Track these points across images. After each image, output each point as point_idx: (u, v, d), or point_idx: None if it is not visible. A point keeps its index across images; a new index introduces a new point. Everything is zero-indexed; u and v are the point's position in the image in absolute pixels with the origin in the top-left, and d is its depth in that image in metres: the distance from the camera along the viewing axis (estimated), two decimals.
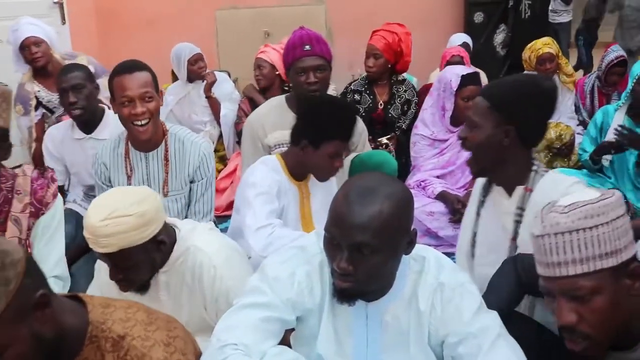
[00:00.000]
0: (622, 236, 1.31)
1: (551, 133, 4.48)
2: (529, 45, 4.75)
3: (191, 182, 2.58)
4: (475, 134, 1.96)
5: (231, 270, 1.91)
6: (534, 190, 1.94)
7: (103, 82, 4.26)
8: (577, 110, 4.85)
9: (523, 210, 1.95)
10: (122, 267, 1.81)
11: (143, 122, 2.40)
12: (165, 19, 6.10)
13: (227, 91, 4.45)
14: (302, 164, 2.42)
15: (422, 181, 3.42)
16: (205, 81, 4.33)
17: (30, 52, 3.74)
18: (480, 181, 2.16)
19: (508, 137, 1.92)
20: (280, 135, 2.80)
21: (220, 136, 4.40)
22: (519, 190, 1.97)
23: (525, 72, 4.65)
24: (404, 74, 4.73)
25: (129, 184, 2.53)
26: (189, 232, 1.96)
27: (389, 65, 3.81)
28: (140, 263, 1.82)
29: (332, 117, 2.35)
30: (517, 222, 1.97)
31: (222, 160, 4.23)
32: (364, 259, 1.41)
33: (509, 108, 1.91)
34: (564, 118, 4.68)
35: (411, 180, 3.50)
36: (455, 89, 3.33)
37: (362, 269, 1.42)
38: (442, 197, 3.31)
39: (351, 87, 3.94)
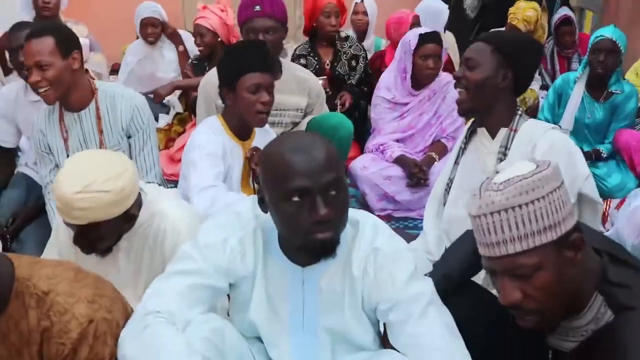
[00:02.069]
0: (560, 209, 1.27)
1: None
2: (517, 4, 4.71)
3: (128, 137, 2.54)
4: (474, 73, 2.10)
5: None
6: (518, 130, 2.11)
7: (95, 58, 4.27)
8: (540, 73, 4.88)
9: (507, 148, 2.11)
10: (89, 236, 1.78)
11: (40, 90, 2.35)
12: None
13: (192, 49, 4.34)
14: (237, 117, 2.41)
15: (381, 144, 3.39)
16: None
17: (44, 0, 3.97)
18: (463, 130, 2.31)
19: (505, 79, 2.09)
20: None
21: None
22: (503, 131, 2.13)
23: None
24: (373, 36, 4.72)
25: (66, 147, 2.49)
26: (155, 197, 1.93)
27: None
28: (109, 233, 1.81)
29: (235, 54, 2.37)
30: (500, 160, 2.12)
31: (182, 122, 4.15)
32: (335, 198, 1.40)
33: (511, 53, 2.08)
34: None
35: (370, 144, 3.48)
36: (413, 48, 3.29)
37: (338, 209, 1.41)
38: (400, 161, 3.29)
39: (296, 52, 3.90)
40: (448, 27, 4.64)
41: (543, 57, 4.89)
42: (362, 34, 4.82)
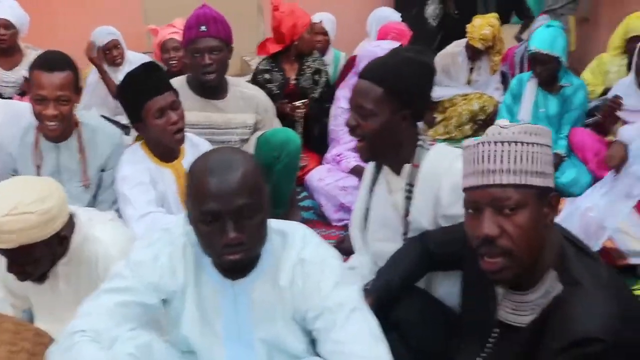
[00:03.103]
0: (550, 165, 1.39)
1: (475, 105, 4.57)
2: (476, 18, 4.73)
3: (102, 170, 2.57)
4: (370, 122, 1.88)
5: None
6: (421, 165, 1.94)
7: None
8: (506, 80, 4.93)
9: (412, 186, 1.95)
10: (21, 261, 1.79)
11: (51, 124, 2.35)
12: None
13: None
14: (156, 144, 2.43)
15: (337, 155, 3.44)
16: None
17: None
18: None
19: (405, 120, 1.90)
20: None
21: None
22: (407, 167, 1.97)
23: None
24: (332, 50, 4.76)
25: (38, 174, 2.48)
26: (87, 222, 1.95)
27: None
28: (41, 258, 1.81)
29: (127, 88, 2.38)
30: (408, 199, 1.96)
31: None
32: (248, 222, 1.43)
33: (406, 93, 1.87)
34: (490, 89, 4.76)
35: (328, 155, 3.52)
36: None
37: (250, 233, 1.44)
38: (355, 171, 3.31)
39: (260, 67, 3.92)
40: (410, 36, 4.70)
41: (512, 64, 4.96)
42: (321, 52, 4.86)
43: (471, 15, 5.07)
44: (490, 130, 1.40)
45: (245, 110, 2.99)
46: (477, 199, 1.38)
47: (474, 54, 4.70)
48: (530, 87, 3.72)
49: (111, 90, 4.23)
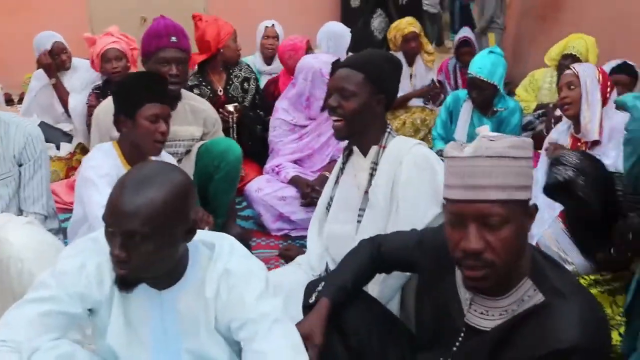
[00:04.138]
0: (531, 177, 1.40)
1: (417, 119, 4.71)
2: (394, 24, 5.00)
3: (20, 165, 2.52)
4: (350, 102, 2.16)
5: (42, 265, 1.88)
6: (387, 147, 2.20)
7: None
8: (444, 89, 5.12)
9: (376, 164, 2.20)
10: None
11: None
12: (33, 3, 5.86)
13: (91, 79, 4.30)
14: (132, 145, 2.43)
15: (277, 166, 3.46)
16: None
17: None
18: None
19: (380, 104, 2.20)
20: None
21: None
22: (374, 148, 2.23)
23: (390, 51, 4.85)
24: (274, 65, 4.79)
25: None
26: (0, 226, 1.93)
27: None
28: None
29: (137, 84, 2.40)
30: (371, 176, 2.21)
31: (84, 151, 4.11)
32: (136, 246, 1.43)
33: (382, 79, 2.19)
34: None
35: (268, 165, 3.55)
36: (327, 77, 3.32)
37: (136, 256, 1.44)
38: (293, 181, 3.36)
39: (188, 83, 3.80)
40: (356, 48, 4.77)
41: (447, 74, 5.17)
42: (269, 59, 4.90)
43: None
44: (481, 142, 1.37)
45: (192, 123, 3.01)
46: (462, 212, 1.37)
47: (411, 57, 4.91)
48: (465, 109, 3.79)
49: (61, 98, 4.16)
